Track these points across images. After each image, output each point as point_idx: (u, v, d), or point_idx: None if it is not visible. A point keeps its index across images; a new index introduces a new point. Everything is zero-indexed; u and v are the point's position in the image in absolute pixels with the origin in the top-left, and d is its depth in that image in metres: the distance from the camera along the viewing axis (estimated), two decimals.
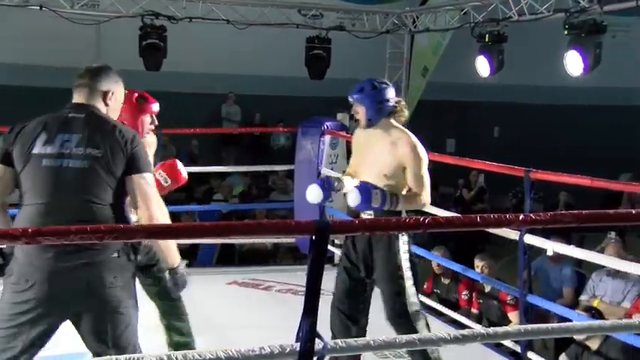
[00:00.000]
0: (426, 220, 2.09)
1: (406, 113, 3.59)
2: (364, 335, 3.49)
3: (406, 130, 3.55)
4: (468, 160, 4.97)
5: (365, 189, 3.39)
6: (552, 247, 3.94)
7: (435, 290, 6.04)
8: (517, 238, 3.95)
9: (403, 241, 3.51)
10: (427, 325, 3.49)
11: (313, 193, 3.55)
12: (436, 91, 10.09)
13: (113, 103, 2.76)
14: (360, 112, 3.54)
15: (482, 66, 7.11)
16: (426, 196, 3.53)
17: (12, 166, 2.58)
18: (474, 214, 2.19)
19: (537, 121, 12.63)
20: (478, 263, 5.51)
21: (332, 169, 6.40)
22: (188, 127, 6.13)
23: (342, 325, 3.55)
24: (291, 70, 9.44)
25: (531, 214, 2.17)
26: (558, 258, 5.50)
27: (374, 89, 3.53)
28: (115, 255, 2.58)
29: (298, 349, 1.87)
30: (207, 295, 5.02)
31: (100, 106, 2.71)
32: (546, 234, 4.34)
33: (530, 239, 3.93)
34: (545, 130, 12.61)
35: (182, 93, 11.12)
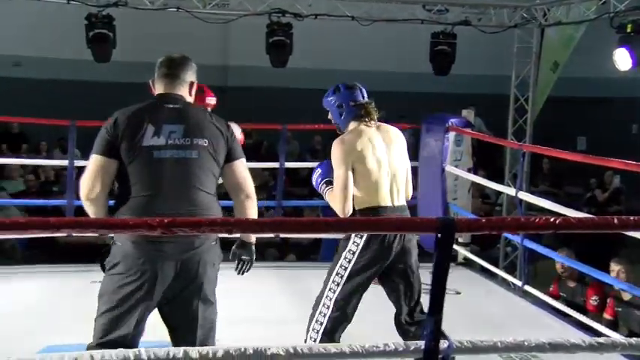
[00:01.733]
0: (557, 221, 2.00)
1: (372, 112, 3.41)
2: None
3: (348, 134, 3.38)
4: (601, 159, 4.66)
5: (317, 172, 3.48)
6: None
7: (561, 293, 5.79)
8: None
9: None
10: None
11: None
12: (566, 87, 9.66)
13: (193, 93, 2.81)
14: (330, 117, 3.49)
15: (622, 59, 6.66)
16: (339, 200, 3.30)
17: (117, 159, 2.59)
18: (609, 216, 2.08)
19: None
20: (614, 267, 5.21)
21: (456, 167, 6.29)
22: (311, 122, 6.20)
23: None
24: (415, 66, 9.35)
25: None
26: None
27: (331, 94, 3.43)
28: (214, 243, 2.64)
29: (423, 347, 1.85)
30: None
31: (186, 96, 2.75)
32: None
33: None
34: None
35: (306, 89, 11.30)
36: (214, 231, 2.08)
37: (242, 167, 2.74)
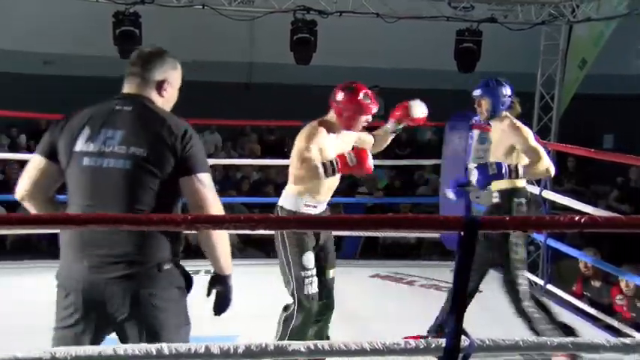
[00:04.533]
0: (582, 220, 1.98)
1: (519, 108, 4.04)
2: None
3: (512, 118, 3.98)
4: (625, 156, 4.59)
5: (481, 166, 3.87)
6: None
7: (585, 293, 5.73)
8: None
9: None
10: None
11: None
12: (594, 84, 9.54)
13: (169, 92, 2.45)
14: (484, 105, 3.97)
15: None
16: (546, 161, 3.83)
17: (57, 161, 2.36)
18: (636, 215, 2.05)
19: None
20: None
21: None
22: None
23: None
24: (440, 63, 9.29)
25: None
26: None
27: (499, 85, 3.98)
28: (155, 268, 2.28)
29: (444, 345, 1.84)
30: (351, 287, 5.07)
31: (153, 97, 2.40)
32: None
33: None
34: None
35: (330, 86, 11.29)
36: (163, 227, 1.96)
37: (195, 185, 2.28)
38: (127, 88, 2.41)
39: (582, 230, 2.56)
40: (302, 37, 7.16)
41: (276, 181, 9.01)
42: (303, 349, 1.94)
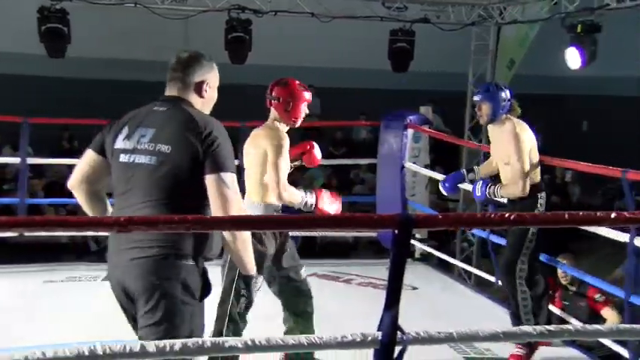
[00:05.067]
0: (511, 216, 2.05)
1: (519, 110, 4.14)
2: None
3: (514, 119, 4.06)
4: (552, 159, 4.73)
5: (477, 185, 4.14)
6: None
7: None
8: (613, 236, 3.82)
9: None
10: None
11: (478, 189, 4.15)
12: (522, 84, 9.83)
13: (209, 93, 2.60)
14: (485, 109, 4.05)
15: (573, 58, 6.84)
16: (520, 186, 3.91)
17: (105, 157, 2.56)
18: (561, 211, 2.14)
19: (629, 115, 12.13)
20: (561, 261, 5.27)
21: (414, 164, 6.37)
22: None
23: None
24: (374, 63, 9.41)
25: (625, 212, 2.10)
26: None
27: (499, 90, 4.07)
28: (162, 258, 2.36)
29: (380, 338, 1.88)
30: None
31: (193, 98, 2.56)
32: None
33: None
34: (637, 124, 12.09)
35: (264, 86, 11.26)
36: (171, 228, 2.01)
37: (216, 184, 2.36)
38: (168, 91, 2.59)
39: (511, 226, 2.66)
40: (237, 36, 7.12)
41: None
42: (240, 345, 1.95)
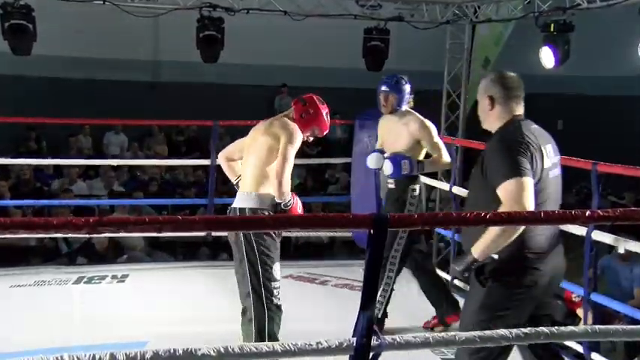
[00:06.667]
0: (487, 215, 2.03)
1: (412, 103, 4.50)
2: None
3: (415, 112, 4.44)
4: None
5: (395, 159, 4.30)
6: (624, 244, 3.77)
7: None
8: (584, 234, 3.81)
9: None
10: None
11: (373, 160, 4.48)
12: None
13: (497, 109, 3.16)
14: (391, 100, 4.38)
15: (547, 57, 6.86)
16: (446, 156, 4.38)
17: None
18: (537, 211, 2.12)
19: (603, 113, 12.25)
20: None
21: None
22: (242, 118, 6.10)
23: None
24: (348, 62, 9.37)
25: (599, 210, 2.09)
26: (629, 256, 5.28)
27: (405, 83, 4.44)
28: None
29: (355, 344, 1.83)
30: None
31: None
32: (613, 231, 4.15)
33: (598, 236, 3.77)
34: (611, 123, 12.22)
35: (237, 85, 11.18)
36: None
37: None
38: (521, 109, 3.21)
39: (487, 225, 2.62)
40: (208, 35, 7.01)
41: (184, 182, 8.85)
42: (213, 353, 1.89)
